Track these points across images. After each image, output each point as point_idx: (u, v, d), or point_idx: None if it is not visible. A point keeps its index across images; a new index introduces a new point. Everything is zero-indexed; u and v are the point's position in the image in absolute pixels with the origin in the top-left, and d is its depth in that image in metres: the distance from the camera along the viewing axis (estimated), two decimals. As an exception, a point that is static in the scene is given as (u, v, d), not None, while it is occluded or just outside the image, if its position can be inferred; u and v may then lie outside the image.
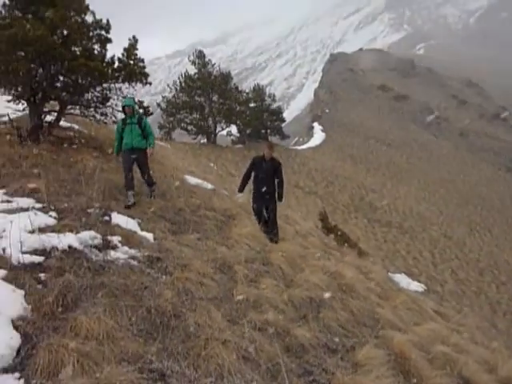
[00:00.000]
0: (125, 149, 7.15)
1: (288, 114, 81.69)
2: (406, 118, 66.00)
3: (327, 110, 64.60)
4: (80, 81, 9.12)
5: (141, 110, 9.84)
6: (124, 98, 9.05)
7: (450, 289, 20.22)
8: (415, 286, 14.05)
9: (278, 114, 38.42)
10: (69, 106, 9.84)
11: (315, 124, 55.39)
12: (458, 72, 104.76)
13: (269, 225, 7.55)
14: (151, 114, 10.49)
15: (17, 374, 2.50)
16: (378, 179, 37.20)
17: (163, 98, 35.11)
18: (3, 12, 8.80)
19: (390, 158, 45.85)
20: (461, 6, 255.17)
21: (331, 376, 3.53)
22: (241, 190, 8.04)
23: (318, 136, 49.60)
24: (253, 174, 7.74)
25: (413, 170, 43.49)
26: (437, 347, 5.14)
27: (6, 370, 2.50)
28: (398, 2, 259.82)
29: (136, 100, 9.46)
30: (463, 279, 22.11)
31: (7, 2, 8.87)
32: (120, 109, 9.18)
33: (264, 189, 7.47)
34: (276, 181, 7.58)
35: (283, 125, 39.97)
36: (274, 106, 38.49)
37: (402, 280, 13.03)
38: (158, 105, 34.16)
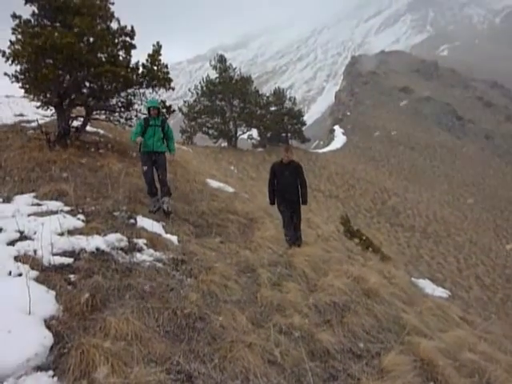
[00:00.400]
0: (144, 151, 6.98)
1: (308, 118, 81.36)
2: (430, 121, 64.80)
3: (348, 113, 64.16)
4: (105, 86, 9.34)
5: (164, 110, 9.98)
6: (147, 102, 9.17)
7: (476, 295, 19.70)
8: (440, 292, 13.77)
9: (298, 117, 38.30)
10: (94, 112, 10.08)
11: (336, 127, 55.10)
12: (482, 73, 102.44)
13: (293, 229, 7.41)
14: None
15: (50, 372, 2.58)
16: (400, 183, 36.64)
17: (185, 102, 35.44)
18: (32, 21, 9.09)
19: (412, 161, 45.11)
20: (486, 6, 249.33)
21: (357, 382, 3.50)
22: (272, 201, 7.43)
23: (339, 139, 49.32)
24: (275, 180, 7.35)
25: (436, 174, 42.67)
26: (464, 354, 5.02)
27: (40, 368, 2.59)
28: (421, 3, 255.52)
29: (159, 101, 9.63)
30: (489, 285, 21.52)
31: (36, 12, 9.17)
32: (144, 113, 9.36)
33: (288, 195, 7.19)
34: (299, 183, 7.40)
35: (304, 128, 39.80)
36: (295, 109, 38.41)
37: (427, 285, 12.81)
38: (180, 109, 34.36)
